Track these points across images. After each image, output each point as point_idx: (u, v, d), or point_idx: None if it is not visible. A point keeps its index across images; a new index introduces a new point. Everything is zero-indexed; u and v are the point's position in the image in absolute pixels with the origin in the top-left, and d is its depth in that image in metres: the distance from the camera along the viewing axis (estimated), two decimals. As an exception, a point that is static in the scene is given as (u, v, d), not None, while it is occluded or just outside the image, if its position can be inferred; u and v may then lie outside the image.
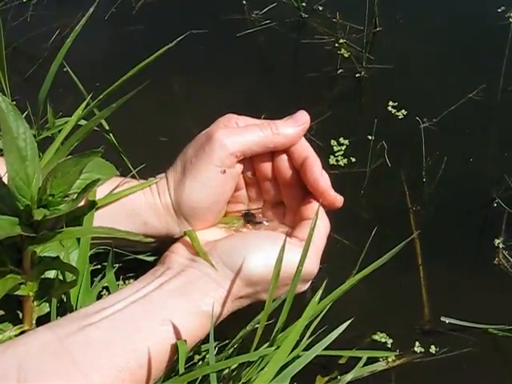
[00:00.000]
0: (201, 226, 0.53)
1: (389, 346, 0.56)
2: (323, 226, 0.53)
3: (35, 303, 0.46)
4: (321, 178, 0.52)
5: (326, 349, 0.48)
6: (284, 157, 0.53)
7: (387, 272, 0.59)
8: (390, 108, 0.74)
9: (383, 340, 0.56)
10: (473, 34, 0.84)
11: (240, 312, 0.50)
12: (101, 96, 0.58)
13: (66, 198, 0.42)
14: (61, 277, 0.48)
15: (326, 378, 0.53)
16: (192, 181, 0.51)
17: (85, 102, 0.56)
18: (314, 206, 0.53)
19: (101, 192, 0.52)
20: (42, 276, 0.47)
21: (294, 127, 0.52)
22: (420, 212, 0.65)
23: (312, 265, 0.51)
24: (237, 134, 0.51)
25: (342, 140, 0.71)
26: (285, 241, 0.44)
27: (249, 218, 0.56)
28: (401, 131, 0.72)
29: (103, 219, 0.50)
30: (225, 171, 0.50)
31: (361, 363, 0.53)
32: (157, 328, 0.44)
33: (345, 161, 0.70)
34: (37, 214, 0.38)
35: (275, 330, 0.45)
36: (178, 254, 0.51)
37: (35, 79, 0.78)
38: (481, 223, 0.65)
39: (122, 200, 0.52)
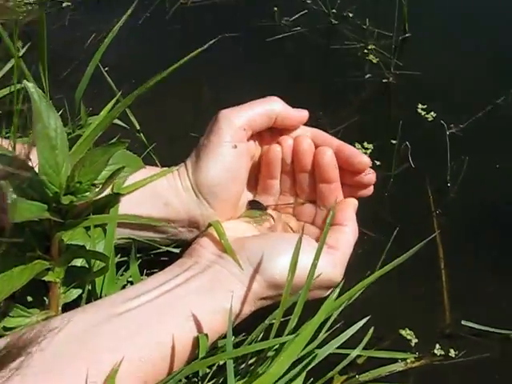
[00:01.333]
0: (221, 207, 0.53)
1: (410, 345, 0.55)
2: (352, 234, 0.53)
3: (61, 290, 0.48)
4: (356, 152, 0.53)
5: (344, 347, 0.49)
6: (325, 150, 0.53)
7: (409, 274, 0.59)
8: (418, 111, 0.74)
9: (408, 337, 0.56)
10: (501, 42, 0.83)
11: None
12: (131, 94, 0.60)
13: (93, 187, 0.43)
14: (87, 265, 0.49)
15: (344, 378, 0.53)
16: (206, 160, 0.52)
17: (114, 99, 0.58)
18: (347, 211, 0.53)
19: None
20: (69, 264, 0.48)
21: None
22: (444, 216, 0.65)
23: (336, 272, 0.50)
24: (240, 109, 0.53)
25: (366, 144, 0.71)
26: (299, 243, 0.44)
27: (254, 207, 0.56)
28: (427, 136, 0.72)
29: (126, 202, 0.51)
30: (236, 146, 0.52)
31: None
32: (181, 323, 0.45)
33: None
34: (64, 200, 0.39)
35: (290, 324, 0.45)
36: (206, 248, 0.51)
37: (71, 80, 0.80)
38: (504, 228, 0.64)
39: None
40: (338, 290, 0.49)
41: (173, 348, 0.44)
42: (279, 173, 0.56)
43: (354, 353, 0.51)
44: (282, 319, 0.45)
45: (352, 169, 0.54)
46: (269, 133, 0.56)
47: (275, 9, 0.91)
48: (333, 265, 0.50)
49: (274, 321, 0.45)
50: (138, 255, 0.54)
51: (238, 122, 0.52)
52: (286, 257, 0.47)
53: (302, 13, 0.90)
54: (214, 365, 0.48)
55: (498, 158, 0.70)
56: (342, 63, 0.83)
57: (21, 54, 0.68)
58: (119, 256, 0.56)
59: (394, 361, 0.54)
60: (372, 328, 0.53)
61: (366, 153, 0.71)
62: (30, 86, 0.41)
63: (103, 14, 0.96)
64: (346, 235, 0.52)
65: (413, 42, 0.84)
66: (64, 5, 0.99)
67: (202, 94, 0.80)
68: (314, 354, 0.47)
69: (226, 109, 0.53)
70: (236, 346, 0.50)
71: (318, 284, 0.49)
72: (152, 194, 0.53)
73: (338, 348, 0.49)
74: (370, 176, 0.54)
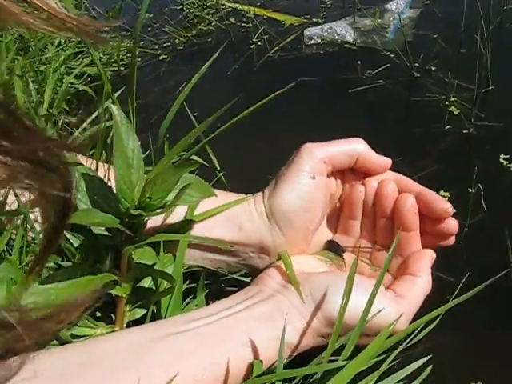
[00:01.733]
0: (293, 236, 0.53)
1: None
2: (423, 286, 0.51)
3: (127, 307, 0.50)
4: (439, 198, 0.52)
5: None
6: (407, 196, 0.53)
7: (489, 330, 0.57)
8: (499, 161, 0.73)
9: None
10: None
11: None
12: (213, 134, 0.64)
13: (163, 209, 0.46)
14: (154, 286, 0.51)
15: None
16: (283, 187, 0.53)
17: (193, 131, 0.61)
18: (422, 261, 0.52)
19: (202, 205, 0.54)
20: (137, 284, 0.51)
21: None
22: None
23: (402, 321, 0.48)
24: (323, 144, 0.54)
25: (443, 192, 0.70)
26: (350, 282, 0.44)
27: (331, 247, 0.56)
28: (507, 187, 0.70)
29: (200, 223, 0.53)
30: (314, 177, 0.52)
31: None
32: (238, 347, 0.46)
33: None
34: (135, 213, 0.42)
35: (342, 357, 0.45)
36: (272, 277, 0.52)
37: (159, 125, 0.86)
38: None
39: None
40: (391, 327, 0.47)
41: (227, 371, 0.44)
42: (360, 214, 0.56)
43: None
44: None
45: (434, 215, 0.52)
46: (351, 174, 0.57)
47: (358, 62, 0.94)
48: (396, 313, 0.48)
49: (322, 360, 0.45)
50: (206, 282, 0.55)
51: (318, 155, 0.53)
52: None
53: (384, 66, 0.91)
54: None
55: None
56: (423, 114, 0.83)
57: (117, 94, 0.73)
58: (187, 283, 0.57)
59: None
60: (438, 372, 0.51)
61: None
62: (114, 107, 0.45)
63: (196, 65, 1.03)
64: (417, 286, 0.51)
65: (495, 94, 0.83)
66: (161, 57, 1.07)
67: (282, 139, 0.82)
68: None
69: (310, 143, 0.55)
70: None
71: (377, 329, 0.47)
72: (226, 218, 0.54)
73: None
74: (452, 224, 0.53)
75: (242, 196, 0.56)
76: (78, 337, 0.47)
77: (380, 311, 0.46)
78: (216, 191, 0.53)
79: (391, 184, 0.54)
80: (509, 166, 0.72)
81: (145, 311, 0.51)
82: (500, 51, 0.88)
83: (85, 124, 0.73)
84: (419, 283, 0.51)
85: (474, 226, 0.66)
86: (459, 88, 0.84)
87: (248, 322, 0.47)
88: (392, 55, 0.94)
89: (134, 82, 0.63)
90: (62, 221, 0.26)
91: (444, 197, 0.70)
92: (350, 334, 0.44)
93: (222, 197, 0.56)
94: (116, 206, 0.44)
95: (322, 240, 0.57)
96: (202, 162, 0.68)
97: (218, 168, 0.72)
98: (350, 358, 0.44)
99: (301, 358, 0.49)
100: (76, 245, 0.49)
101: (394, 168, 0.74)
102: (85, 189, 0.47)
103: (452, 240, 0.54)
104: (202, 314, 0.48)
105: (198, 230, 0.53)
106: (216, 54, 0.72)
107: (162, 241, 0.51)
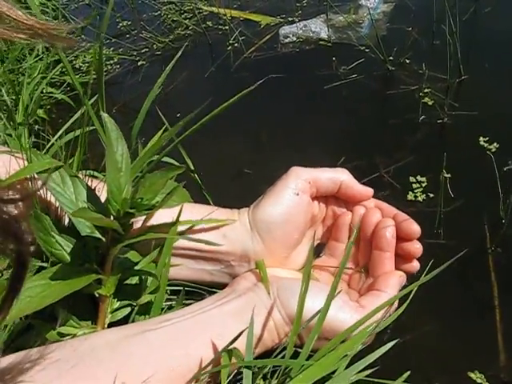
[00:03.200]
0: (272, 246, 0.56)
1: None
2: (386, 299, 0.52)
3: (109, 309, 0.51)
4: (410, 221, 0.54)
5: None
6: (387, 221, 0.55)
7: (463, 313, 0.58)
8: (473, 148, 0.74)
9: (478, 381, 0.53)
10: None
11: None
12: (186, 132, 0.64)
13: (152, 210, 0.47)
14: (139, 284, 0.53)
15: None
16: (267, 199, 0.56)
17: (161, 131, 0.62)
18: (391, 279, 0.54)
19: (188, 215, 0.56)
20: (123, 282, 0.52)
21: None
22: (499, 253, 0.63)
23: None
24: (310, 168, 0.58)
25: (419, 178, 0.72)
26: (305, 285, 0.47)
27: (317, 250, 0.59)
28: (482, 172, 0.70)
29: (188, 232, 0.56)
30: (298, 194, 0.56)
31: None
32: (211, 340, 0.48)
33: (423, 196, 0.70)
34: (124, 212, 0.45)
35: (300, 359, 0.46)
36: (246, 279, 0.55)
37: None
38: None
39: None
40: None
41: (200, 361, 0.46)
42: (346, 238, 0.59)
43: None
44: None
45: (404, 235, 0.55)
46: (334, 201, 0.59)
47: (334, 59, 0.95)
48: (354, 320, 0.49)
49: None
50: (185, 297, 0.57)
51: (304, 175, 0.56)
52: (309, 300, 0.48)
53: (359, 61, 0.92)
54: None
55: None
56: (398, 106, 0.84)
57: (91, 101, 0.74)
58: (167, 298, 0.58)
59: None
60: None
61: (420, 186, 0.71)
62: (105, 116, 0.48)
63: (174, 69, 1.03)
64: (380, 299, 0.52)
65: (468, 84, 0.84)
66: (139, 63, 1.07)
67: (261, 135, 0.84)
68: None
69: (298, 166, 0.58)
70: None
71: (336, 334, 0.49)
72: (212, 227, 0.57)
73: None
74: (417, 247, 0.55)
75: (227, 209, 0.59)
76: (63, 335, 0.49)
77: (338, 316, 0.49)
78: (199, 205, 0.58)
79: (377, 213, 0.57)
80: (484, 151, 0.72)
81: (127, 311, 0.53)
82: (472, 41, 0.90)
83: (60, 132, 0.73)
84: (383, 297, 0.52)
85: (449, 212, 0.67)
86: (433, 79, 0.85)
87: (220, 317, 0.49)
88: (367, 50, 0.95)
89: (103, 85, 0.64)
90: (20, 271, 0.28)
91: (421, 182, 0.71)
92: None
93: (208, 209, 0.58)
94: (102, 209, 0.47)
95: (301, 259, 0.59)
96: (175, 163, 0.69)
97: (192, 168, 0.72)
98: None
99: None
100: (65, 246, 0.51)
101: (370, 160, 0.76)
102: (72, 195, 0.50)
103: (416, 266, 0.56)
104: (178, 314, 0.50)
105: (183, 237, 0.55)
106: (178, 54, 0.74)
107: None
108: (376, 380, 0.48)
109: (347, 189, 0.57)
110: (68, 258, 0.50)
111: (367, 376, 0.48)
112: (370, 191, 0.58)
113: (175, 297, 0.58)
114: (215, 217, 0.56)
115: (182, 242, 0.55)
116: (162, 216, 0.53)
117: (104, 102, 0.64)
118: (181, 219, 0.54)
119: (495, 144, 0.73)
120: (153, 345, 0.46)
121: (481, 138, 0.74)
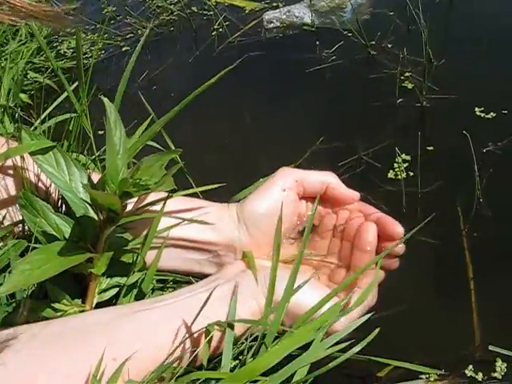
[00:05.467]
0: (258, 238, 0.58)
1: (436, 365, 0.53)
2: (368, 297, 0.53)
3: (97, 289, 0.53)
4: (395, 222, 0.56)
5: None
6: (370, 225, 0.56)
7: (438, 294, 0.60)
8: (452, 130, 0.75)
9: (434, 356, 0.54)
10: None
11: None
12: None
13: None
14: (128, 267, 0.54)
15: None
16: (255, 194, 0.59)
17: (149, 119, 0.63)
18: (370, 277, 0.54)
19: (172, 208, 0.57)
20: (111, 264, 0.53)
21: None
22: (474, 233, 0.65)
23: (341, 322, 0.51)
24: (298, 169, 0.60)
25: (404, 155, 0.73)
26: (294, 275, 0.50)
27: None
28: (460, 153, 0.71)
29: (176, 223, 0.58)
30: (285, 190, 0.58)
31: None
32: (198, 320, 0.49)
33: (403, 175, 0.72)
34: (121, 192, 0.47)
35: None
36: (235, 265, 0.57)
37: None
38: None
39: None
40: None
41: (190, 340, 0.49)
42: (330, 237, 0.60)
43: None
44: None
45: (388, 237, 0.56)
46: (321, 203, 0.60)
47: (317, 43, 0.95)
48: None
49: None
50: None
51: (291, 174, 0.59)
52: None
53: (340, 44, 0.93)
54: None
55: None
56: (379, 90, 0.85)
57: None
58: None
59: (416, 377, 0.53)
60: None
61: (399, 166, 0.72)
62: (106, 100, 0.49)
63: (159, 55, 1.04)
64: (355, 293, 0.53)
65: (446, 67, 0.85)
66: (124, 49, 1.08)
67: (245, 117, 0.85)
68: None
69: (286, 167, 0.60)
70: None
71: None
72: (201, 218, 0.58)
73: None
74: (399, 247, 0.56)
75: (218, 204, 0.61)
76: (57, 311, 0.51)
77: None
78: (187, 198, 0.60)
79: (361, 219, 0.58)
80: (466, 130, 0.73)
81: (114, 292, 0.54)
82: (449, 25, 0.91)
83: (43, 115, 0.74)
84: (358, 292, 0.53)
85: (426, 192, 0.69)
86: (413, 63, 0.86)
87: (209, 301, 0.50)
88: (349, 34, 0.96)
89: (82, 69, 0.65)
90: None
91: (404, 160, 0.72)
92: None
93: (198, 203, 0.60)
94: (104, 188, 0.49)
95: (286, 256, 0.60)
96: (158, 146, 0.70)
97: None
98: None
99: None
100: (61, 226, 0.52)
101: (350, 142, 0.77)
102: (66, 176, 0.51)
103: (397, 263, 0.57)
104: (169, 297, 0.53)
105: (174, 228, 0.57)
106: (144, 37, 0.73)
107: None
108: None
109: (334, 190, 0.59)
110: (63, 236, 0.51)
111: (342, 350, 0.49)
112: (355, 194, 0.59)
113: (163, 285, 0.60)
114: (205, 210, 0.59)
115: (173, 232, 0.57)
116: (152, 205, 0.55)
117: (85, 87, 0.65)
118: (171, 211, 0.56)
119: (473, 126, 0.74)
120: (143, 323, 0.49)
121: (459, 121, 0.76)
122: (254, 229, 0.57)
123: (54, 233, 0.52)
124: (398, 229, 0.55)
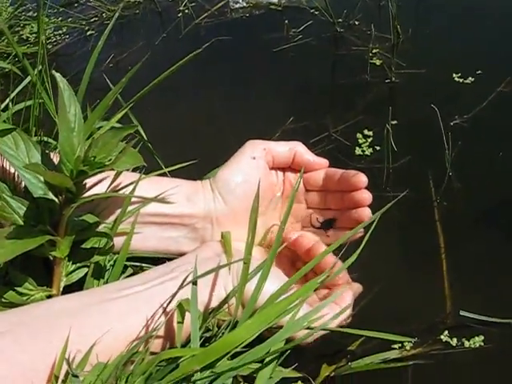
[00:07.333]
0: (233, 206, 0.58)
1: (409, 334, 0.54)
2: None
3: (64, 272, 0.51)
4: (356, 173, 0.56)
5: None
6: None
7: (411, 263, 0.60)
8: (420, 104, 0.75)
9: (407, 324, 0.55)
10: (499, 31, 0.85)
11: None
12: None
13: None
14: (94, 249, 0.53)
15: (333, 367, 0.52)
16: (226, 165, 0.60)
17: (113, 99, 0.61)
18: (348, 293, 0.54)
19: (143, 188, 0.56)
20: (77, 246, 0.52)
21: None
22: (445, 205, 0.65)
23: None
24: (265, 140, 0.61)
25: (366, 132, 0.74)
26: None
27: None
28: (429, 127, 0.71)
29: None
30: (254, 158, 0.59)
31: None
32: (167, 311, 0.48)
33: (370, 150, 0.72)
34: (77, 171, 0.45)
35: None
36: (210, 246, 0.56)
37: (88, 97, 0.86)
38: (507, 218, 0.63)
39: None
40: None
41: (161, 328, 0.47)
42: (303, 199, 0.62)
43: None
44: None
45: (352, 186, 0.56)
46: (291, 175, 0.62)
47: (286, 22, 0.95)
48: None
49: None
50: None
51: (259, 143, 0.60)
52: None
53: (308, 23, 0.92)
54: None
55: (502, 146, 0.69)
56: (348, 67, 0.85)
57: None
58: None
59: (389, 348, 0.53)
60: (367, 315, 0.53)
61: (366, 141, 0.73)
62: (58, 75, 0.46)
63: (124, 38, 1.03)
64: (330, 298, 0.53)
65: (414, 43, 0.86)
66: (88, 33, 1.06)
67: (213, 97, 0.85)
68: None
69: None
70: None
71: None
72: (175, 191, 0.58)
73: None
74: (365, 196, 0.56)
75: (191, 181, 0.61)
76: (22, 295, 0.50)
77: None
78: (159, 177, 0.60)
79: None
80: (434, 104, 0.74)
81: (82, 274, 0.53)
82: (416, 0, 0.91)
83: (6, 101, 0.72)
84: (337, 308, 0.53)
85: (397, 166, 0.69)
86: (381, 40, 0.86)
87: (175, 291, 0.49)
88: (316, 12, 0.96)
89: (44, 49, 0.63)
90: None
91: (367, 136, 0.73)
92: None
93: (171, 182, 0.60)
94: (56, 170, 0.47)
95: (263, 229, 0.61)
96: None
97: (143, 134, 0.72)
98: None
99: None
100: (17, 209, 0.50)
101: (319, 120, 0.77)
102: (26, 158, 0.49)
103: (368, 213, 0.57)
104: (136, 282, 0.51)
105: (147, 205, 0.56)
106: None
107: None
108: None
109: (302, 157, 0.60)
110: (21, 220, 0.50)
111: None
112: (324, 161, 0.60)
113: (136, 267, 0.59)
114: (178, 185, 0.58)
115: (147, 209, 0.56)
116: (122, 183, 0.54)
117: (48, 71, 0.63)
118: (142, 192, 0.55)
119: (441, 100, 0.75)
120: (111, 315, 0.47)
121: (427, 95, 0.76)
122: (229, 196, 0.58)
123: (10, 216, 0.50)
124: (360, 176, 0.56)
